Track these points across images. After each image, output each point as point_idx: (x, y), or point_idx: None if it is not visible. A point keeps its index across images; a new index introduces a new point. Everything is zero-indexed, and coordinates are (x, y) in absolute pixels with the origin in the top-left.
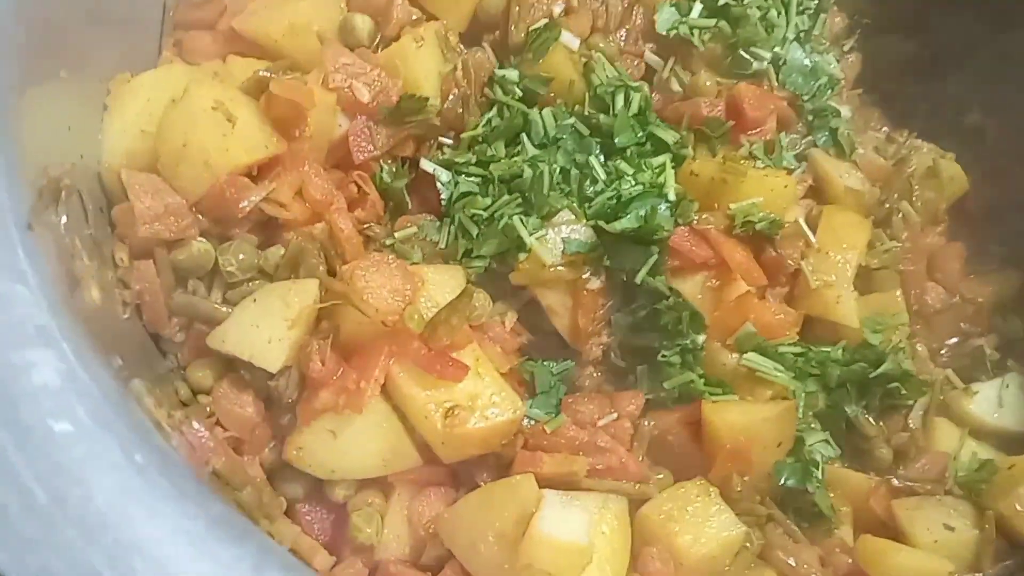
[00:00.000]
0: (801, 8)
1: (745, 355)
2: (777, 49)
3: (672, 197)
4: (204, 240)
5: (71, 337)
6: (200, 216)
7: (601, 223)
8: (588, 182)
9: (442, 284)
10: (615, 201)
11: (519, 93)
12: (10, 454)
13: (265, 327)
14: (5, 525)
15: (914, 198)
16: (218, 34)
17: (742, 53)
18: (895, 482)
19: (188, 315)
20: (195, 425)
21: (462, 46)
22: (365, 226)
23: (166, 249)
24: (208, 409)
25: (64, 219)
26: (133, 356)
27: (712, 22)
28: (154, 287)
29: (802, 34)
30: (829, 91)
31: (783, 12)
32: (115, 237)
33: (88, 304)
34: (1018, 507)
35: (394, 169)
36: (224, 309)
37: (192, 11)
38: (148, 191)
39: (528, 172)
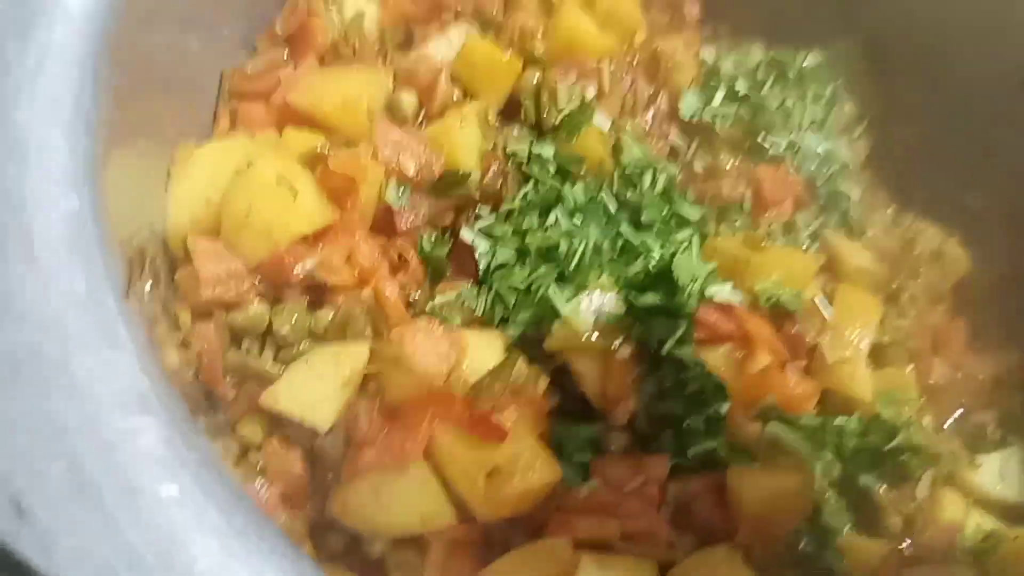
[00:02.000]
0: (816, 98)
1: (767, 425)
2: (793, 136)
3: (699, 273)
4: (260, 303)
5: (166, 403)
6: (257, 280)
7: (632, 295)
8: (618, 255)
9: (484, 349)
10: (643, 275)
11: (553, 169)
12: (119, 517)
13: (317, 388)
14: None
15: (920, 278)
16: (271, 106)
17: (760, 139)
18: (906, 551)
19: (242, 374)
20: (257, 484)
21: (499, 123)
22: (406, 291)
23: (224, 311)
24: (258, 466)
25: (148, 286)
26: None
27: (732, 109)
28: (213, 347)
29: (816, 122)
30: (840, 176)
31: (799, 102)
32: (178, 300)
33: (169, 368)
34: None
35: (434, 238)
36: (276, 368)
37: (247, 83)
38: (212, 257)
39: (563, 245)
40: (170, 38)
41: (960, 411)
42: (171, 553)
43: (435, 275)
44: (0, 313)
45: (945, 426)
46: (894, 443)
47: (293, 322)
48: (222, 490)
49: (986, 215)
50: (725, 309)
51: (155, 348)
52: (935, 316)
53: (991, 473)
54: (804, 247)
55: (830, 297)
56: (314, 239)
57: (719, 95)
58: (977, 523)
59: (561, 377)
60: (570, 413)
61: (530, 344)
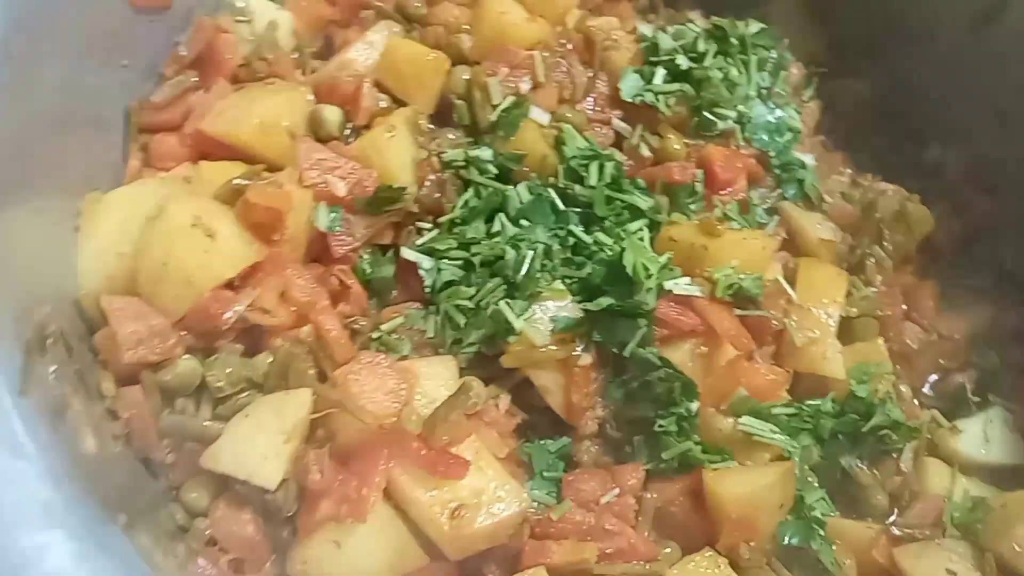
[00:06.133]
0: (761, 65)
1: (740, 420)
2: (741, 107)
3: (653, 267)
4: (190, 357)
5: (77, 509)
6: (183, 333)
7: (587, 299)
8: (571, 255)
9: (436, 377)
10: (597, 276)
11: (493, 171)
12: None
13: (260, 443)
14: None
15: (884, 242)
16: (185, 136)
17: (707, 114)
18: (894, 530)
19: (179, 436)
20: (200, 563)
21: (432, 127)
22: (350, 320)
23: (151, 371)
24: (207, 533)
25: (53, 368)
26: (128, 499)
27: (675, 86)
28: (143, 412)
29: (764, 91)
30: (794, 144)
31: (744, 71)
32: (98, 365)
33: (86, 455)
34: (1016, 547)
35: (374, 259)
36: (215, 426)
37: (156, 114)
38: (130, 315)
39: (510, 253)
40: (59, 75)
41: (937, 375)
42: None
43: (380, 299)
44: None
45: (923, 391)
46: (872, 423)
47: (228, 374)
48: None
49: (945, 168)
50: (685, 303)
51: (66, 439)
52: (903, 279)
53: (974, 437)
54: (763, 223)
55: (793, 273)
56: (241, 280)
57: (660, 73)
58: (965, 489)
59: (524, 391)
60: (538, 427)
61: (487, 362)
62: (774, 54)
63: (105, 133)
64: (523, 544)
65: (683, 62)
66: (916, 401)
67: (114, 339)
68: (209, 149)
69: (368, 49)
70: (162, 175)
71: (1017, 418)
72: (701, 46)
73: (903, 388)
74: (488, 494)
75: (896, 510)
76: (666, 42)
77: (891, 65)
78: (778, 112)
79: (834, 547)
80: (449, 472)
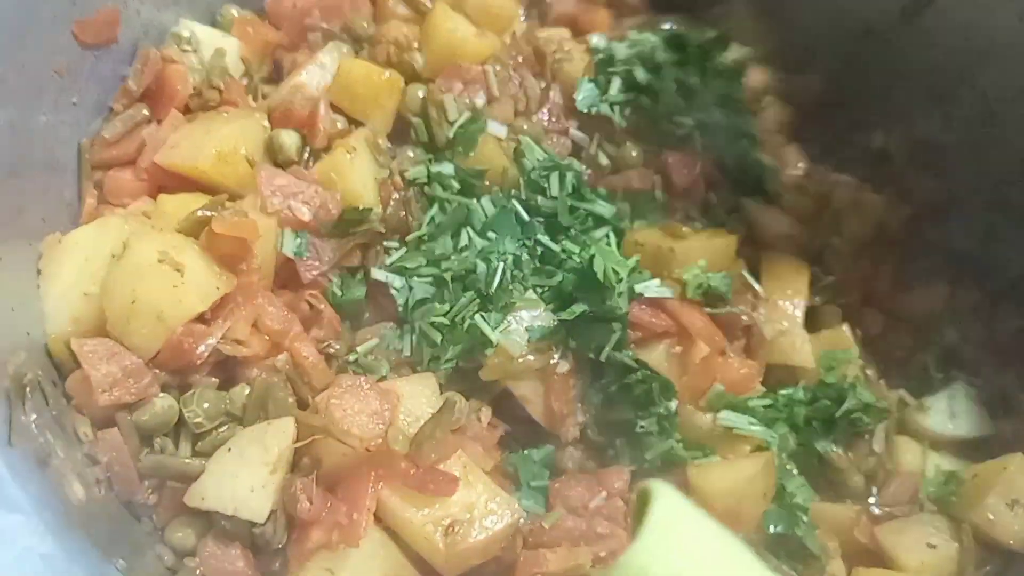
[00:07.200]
0: (716, 72)
1: (719, 414)
2: (699, 113)
3: (622, 271)
4: (166, 395)
5: (76, 557)
6: (157, 371)
7: (560, 307)
8: (540, 264)
9: (418, 396)
10: (568, 283)
11: (456, 186)
12: None
13: (245, 476)
14: None
15: (840, 232)
16: (140, 170)
17: (664, 122)
18: (874, 510)
19: (160, 475)
20: None
21: (391, 145)
22: (324, 344)
23: (128, 412)
24: (198, 572)
25: (34, 417)
26: (115, 544)
27: (632, 96)
28: (122, 455)
29: (721, 95)
30: (750, 143)
31: (702, 78)
32: (73, 409)
33: (76, 504)
34: (990, 516)
35: (344, 282)
36: (197, 462)
37: (109, 150)
38: (102, 357)
39: (481, 266)
40: (8, 118)
41: (900, 355)
42: None
43: (353, 321)
44: None
45: (889, 372)
46: (844, 408)
47: (205, 408)
48: None
49: (891, 154)
50: (657, 305)
51: (54, 488)
52: (861, 266)
53: (941, 413)
54: (723, 223)
55: (757, 268)
56: (212, 313)
57: (615, 83)
58: (936, 464)
59: (504, 402)
60: (520, 438)
61: (466, 376)
62: (730, 60)
63: (59, 173)
64: (517, 555)
65: (639, 74)
66: (883, 382)
67: (87, 382)
68: (166, 182)
69: (320, 71)
70: (119, 211)
71: (980, 391)
72: (658, 55)
73: (869, 371)
74: (480, 508)
75: (873, 490)
76: (621, 51)
77: (831, 58)
78: (734, 117)
79: (817, 531)
80: (439, 489)
